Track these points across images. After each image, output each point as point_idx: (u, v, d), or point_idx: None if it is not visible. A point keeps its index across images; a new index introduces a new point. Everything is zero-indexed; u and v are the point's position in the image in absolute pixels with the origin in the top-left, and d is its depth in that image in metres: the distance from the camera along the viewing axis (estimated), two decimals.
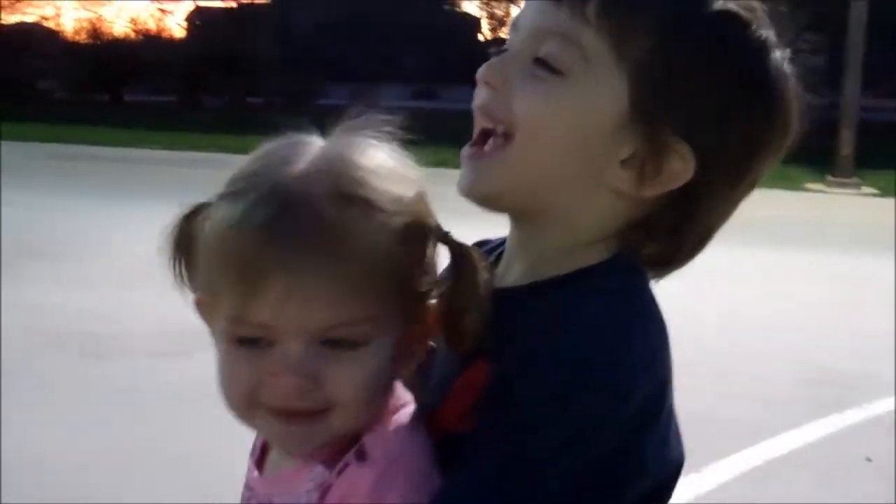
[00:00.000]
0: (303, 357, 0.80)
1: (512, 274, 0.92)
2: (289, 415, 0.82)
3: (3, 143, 13.89)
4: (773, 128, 0.87)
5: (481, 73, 0.88)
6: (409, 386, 0.89)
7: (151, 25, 38.67)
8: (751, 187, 0.90)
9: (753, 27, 0.85)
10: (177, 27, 40.33)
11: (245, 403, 0.83)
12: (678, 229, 0.88)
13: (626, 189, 0.85)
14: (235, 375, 0.83)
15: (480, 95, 0.89)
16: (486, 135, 0.88)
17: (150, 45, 34.46)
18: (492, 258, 0.93)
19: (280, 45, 31.59)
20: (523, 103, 0.84)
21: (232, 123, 16.28)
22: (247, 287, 0.79)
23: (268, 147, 0.85)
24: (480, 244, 0.97)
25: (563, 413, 0.78)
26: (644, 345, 0.84)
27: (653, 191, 0.85)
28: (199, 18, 38.83)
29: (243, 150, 0.88)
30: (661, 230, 0.88)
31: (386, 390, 0.85)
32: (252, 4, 37.40)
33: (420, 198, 0.84)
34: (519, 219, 0.92)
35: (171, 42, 37.96)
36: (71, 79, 30.88)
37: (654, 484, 0.84)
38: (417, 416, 0.87)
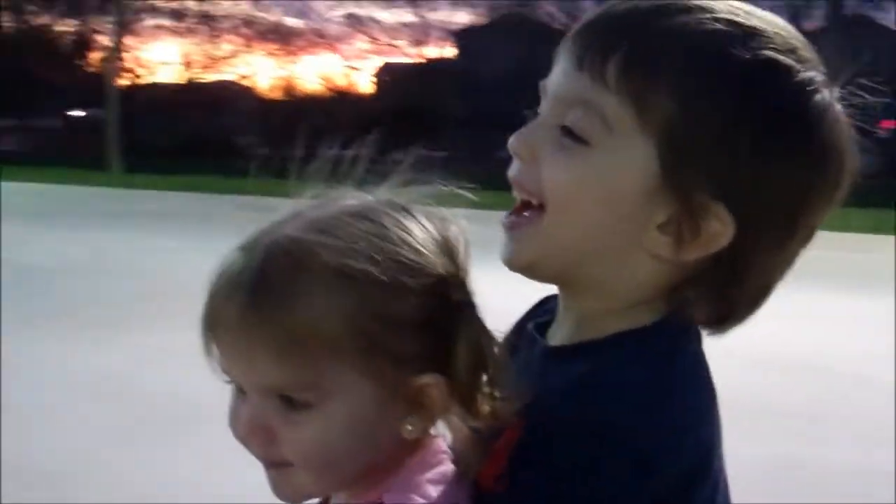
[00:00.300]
0: (256, 410, 0.80)
1: (560, 332, 0.91)
2: (262, 461, 0.84)
3: (203, 195, 14.70)
4: (819, 177, 0.82)
5: (510, 143, 0.86)
6: (464, 445, 0.86)
7: (342, 82, 40.47)
8: (807, 239, 0.85)
9: (790, 71, 0.80)
10: (366, 83, 41.95)
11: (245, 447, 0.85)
12: (727, 289, 0.84)
13: (665, 254, 0.82)
14: (232, 420, 0.84)
15: (513, 167, 0.88)
16: (525, 205, 0.87)
17: (340, 101, 35.99)
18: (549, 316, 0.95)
19: (465, 99, 32.26)
20: (551, 175, 0.82)
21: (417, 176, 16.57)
22: (209, 338, 0.82)
23: (300, 202, 0.86)
24: (545, 300, 0.98)
25: (586, 485, 0.76)
26: (685, 408, 0.82)
27: (693, 254, 0.82)
28: (387, 74, 40.22)
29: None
30: (709, 291, 0.84)
31: (369, 452, 0.82)
32: (438, 60, 38.42)
33: (410, 269, 0.80)
34: (560, 284, 0.91)
35: (361, 97, 39.53)
36: (266, 134, 32.55)
37: None
38: (456, 475, 0.84)
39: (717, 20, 0.80)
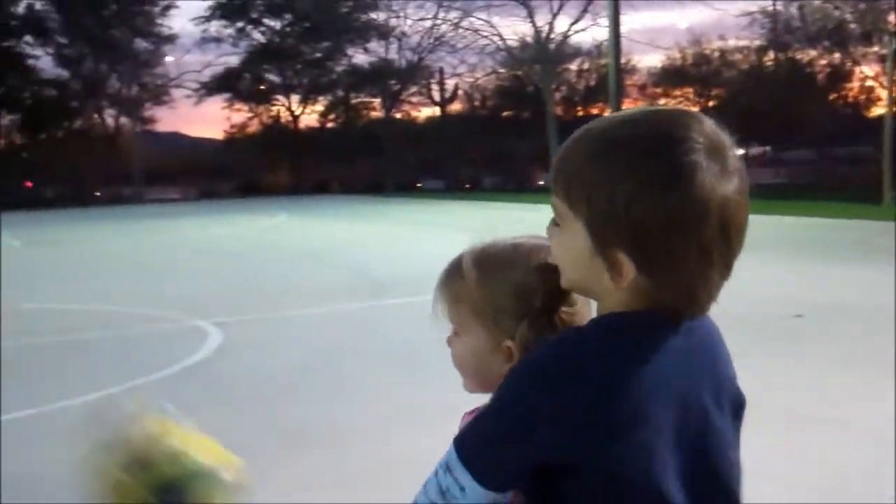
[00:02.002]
0: (449, 336, 1.37)
1: None
2: None
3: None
4: (691, 230, 1.13)
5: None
6: None
7: None
8: (703, 256, 1.13)
9: (670, 160, 1.12)
10: None
11: None
12: (663, 296, 1.15)
13: (615, 287, 1.16)
14: None
15: None
16: None
17: None
18: None
19: None
20: (550, 246, 1.26)
21: None
22: (434, 301, 1.40)
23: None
24: None
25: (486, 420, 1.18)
26: (533, 378, 1.15)
27: (625, 285, 1.15)
28: None
29: None
30: (654, 302, 1.16)
31: (484, 374, 1.30)
32: None
33: (514, 277, 1.31)
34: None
35: None
36: None
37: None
38: None
39: (606, 135, 1.18)
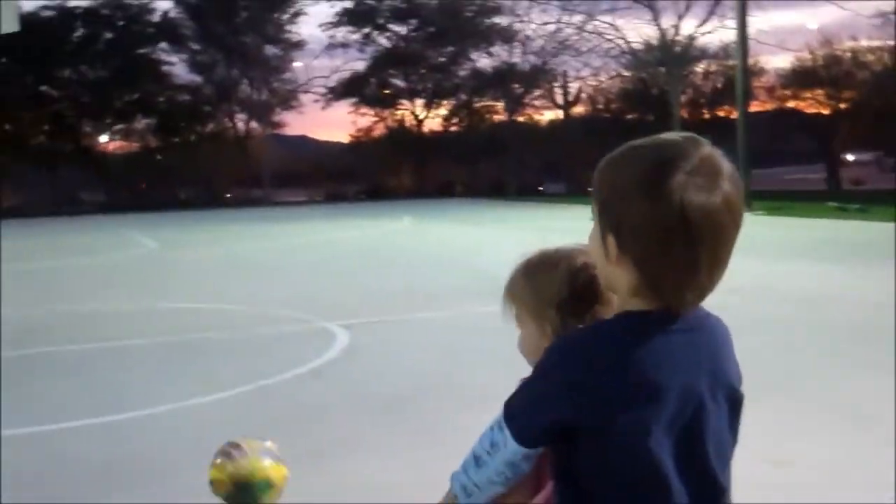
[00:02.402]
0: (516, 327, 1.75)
1: None
2: None
3: None
4: (672, 230, 1.35)
5: None
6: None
7: None
8: (688, 258, 1.36)
9: (660, 179, 1.35)
10: None
11: None
12: (656, 288, 1.39)
13: (613, 262, 1.41)
14: None
15: None
16: None
17: None
18: None
19: None
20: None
21: None
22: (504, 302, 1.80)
23: None
24: None
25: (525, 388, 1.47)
26: (563, 355, 1.42)
27: (617, 259, 1.41)
28: None
29: None
30: (649, 289, 1.40)
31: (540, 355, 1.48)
32: None
33: (546, 279, 1.71)
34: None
35: None
36: None
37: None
38: None
39: (624, 151, 1.44)
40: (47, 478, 4.28)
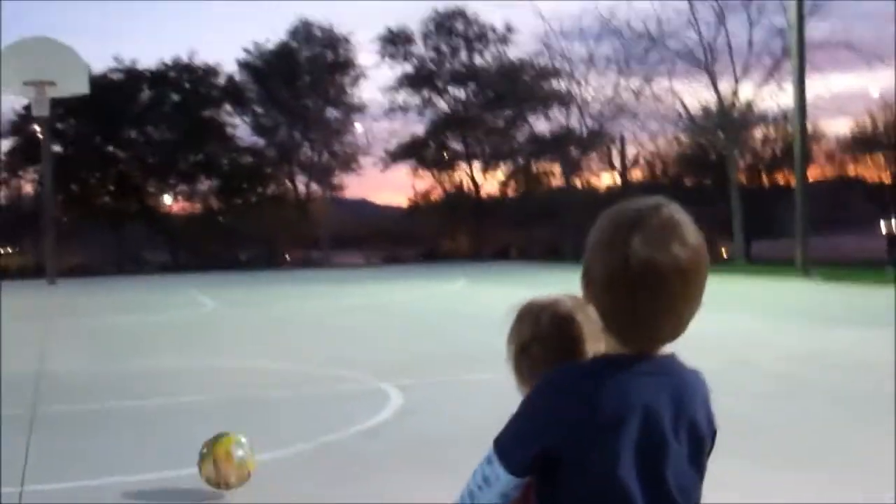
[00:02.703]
0: None
1: None
2: None
3: None
4: (630, 285, 1.56)
5: None
6: None
7: None
8: (645, 309, 1.58)
9: (622, 241, 1.57)
10: None
11: None
12: (620, 333, 1.62)
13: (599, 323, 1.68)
14: None
15: None
16: None
17: None
18: None
19: None
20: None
21: None
22: None
23: None
24: None
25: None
26: (542, 392, 1.64)
27: (592, 308, 1.66)
28: None
29: None
30: (614, 335, 1.63)
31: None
32: None
33: (524, 327, 1.98)
34: None
35: None
36: None
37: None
38: None
39: (600, 217, 1.66)
40: None
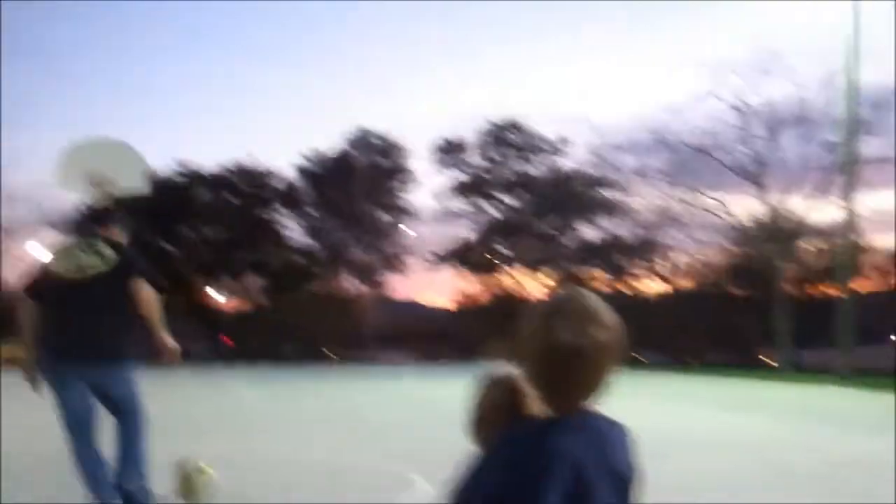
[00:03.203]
0: None
1: None
2: None
3: None
4: (537, 363, 1.99)
5: None
6: None
7: None
8: (552, 383, 1.98)
9: (549, 331, 1.96)
10: None
11: None
12: (546, 401, 2.01)
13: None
14: None
15: None
16: None
17: None
18: None
19: None
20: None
21: None
22: None
23: None
24: None
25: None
26: (491, 449, 2.01)
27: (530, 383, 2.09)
28: None
29: None
30: (545, 402, 2.01)
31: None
32: None
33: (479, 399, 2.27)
34: None
35: None
36: None
37: None
38: None
39: (532, 311, 2.02)
40: None
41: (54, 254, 5.86)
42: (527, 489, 1.86)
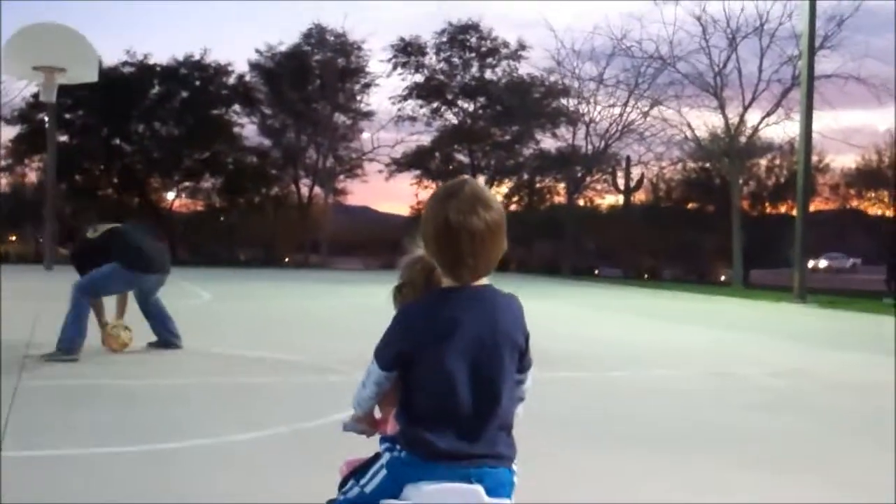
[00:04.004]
0: None
1: None
2: None
3: None
4: (436, 238, 2.33)
5: None
6: None
7: None
8: (449, 254, 2.32)
9: (442, 207, 2.32)
10: None
11: None
12: (445, 273, 2.37)
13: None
14: None
15: None
16: None
17: None
18: None
19: None
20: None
21: None
22: None
23: None
24: None
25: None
26: (402, 314, 2.40)
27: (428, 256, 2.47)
28: None
29: None
30: (446, 275, 2.38)
31: None
32: None
33: (403, 271, 2.71)
34: None
35: None
36: None
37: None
38: None
39: (431, 197, 2.42)
40: (80, 498, 4.41)
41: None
42: (430, 347, 2.30)
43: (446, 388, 2.31)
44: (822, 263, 48.64)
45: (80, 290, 9.25)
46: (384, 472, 2.42)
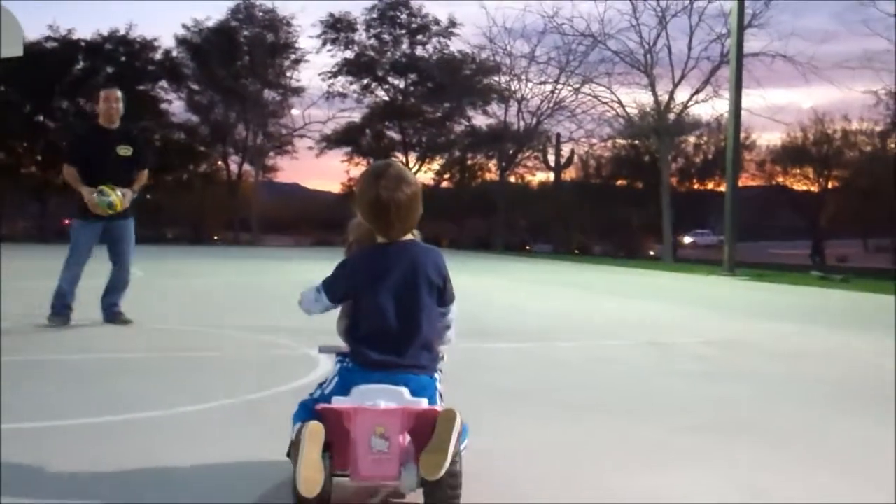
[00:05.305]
0: None
1: None
2: None
3: None
4: (371, 209, 3.40)
5: None
6: None
7: None
8: (379, 220, 3.40)
9: (375, 179, 3.38)
10: None
11: None
12: (377, 233, 3.45)
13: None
14: None
15: None
16: None
17: None
18: None
19: None
20: None
21: None
22: None
23: None
24: None
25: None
26: (349, 261, 3.54)
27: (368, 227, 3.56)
28: None
29: None
30: (379, 234, 3.46)
31: None
32: None
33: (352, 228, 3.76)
34: None
35: None
36: None
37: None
38: None
39: (363, 174, 3.54)
40: (39, 471, 4.34)
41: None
42: (368, 286, 3.34)
43: (380, 316, 3.31)
44: (687, 240, 49.88)
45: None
46: (337, 378, 3.44)
